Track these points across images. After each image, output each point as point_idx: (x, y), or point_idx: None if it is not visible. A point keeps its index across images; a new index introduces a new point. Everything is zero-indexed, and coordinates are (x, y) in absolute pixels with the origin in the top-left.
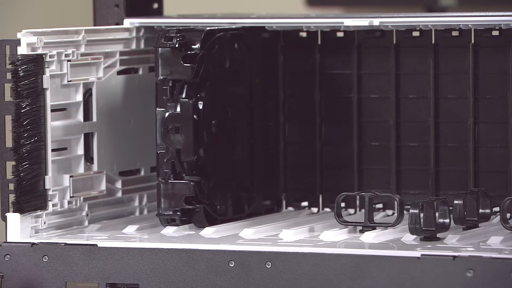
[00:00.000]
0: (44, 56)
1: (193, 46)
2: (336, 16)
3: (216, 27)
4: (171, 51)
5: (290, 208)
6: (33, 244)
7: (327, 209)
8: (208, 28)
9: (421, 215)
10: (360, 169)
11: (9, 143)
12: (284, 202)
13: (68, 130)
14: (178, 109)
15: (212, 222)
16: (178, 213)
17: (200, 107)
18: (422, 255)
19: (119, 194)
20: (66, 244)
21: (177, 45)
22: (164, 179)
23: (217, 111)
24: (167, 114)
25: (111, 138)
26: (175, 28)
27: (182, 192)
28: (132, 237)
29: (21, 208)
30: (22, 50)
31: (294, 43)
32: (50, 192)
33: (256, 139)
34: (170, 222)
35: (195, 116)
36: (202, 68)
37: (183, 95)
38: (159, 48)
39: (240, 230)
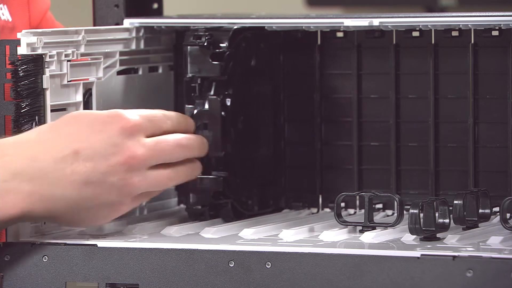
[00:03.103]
0: (44, 56)
1: (221, 44)
2: (336, 16)
3: (241, 27)
4: (199, 49)
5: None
6: (33, 244)
7: (327, 209)
8: (235, 27)
9: (421, 215)
10: (360, 169)
11: None
12: (284, 202)
13: None
14: (207, 106)
15: (239, 216)
16: (207, 207)
17: (228, 104)
18: (422, 255)
19: None
20: (66, 244)
21: (205, 43)
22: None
23: (244, 108)
24: (195, 111)
25: None
26: (203, 27)
27: (210, 187)
28: (132, 237)
29: None
30: (22, 50)
31: (294, 43)
32: None
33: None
34: (199, 216)
35: (223, 113)
36: (230, 66)
37: (211, 92)
38: (188, 46)
39: (240, 230)
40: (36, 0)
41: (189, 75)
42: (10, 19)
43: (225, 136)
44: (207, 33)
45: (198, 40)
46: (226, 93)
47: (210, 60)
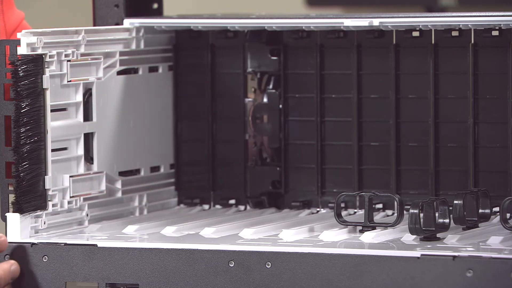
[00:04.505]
0: (44, 56)
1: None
2: (336, 16)
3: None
4: (259, 45)
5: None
6: (33, 244)
7: (327, 209)
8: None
9: (421, 215)
10: (360, 169)
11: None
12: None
13: (68, 130)
14: (265, 99)
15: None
16: (265, 196)
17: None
18: (422, 255)
19: (119, 194)
20: (66, 244)
21: (265, 40)
22: (252, 164)
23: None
24: (255, 104)
25: (111, 138)
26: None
27: (269, 176)
28: (132, 237)
29: (21, 208)
30: (22, 50)
31: (295, 43)
32: (50, 192)
33: None
34: (259, 205)
35: (280, 106)
36: (287, 61)
37: (270, 86)
38: (247, 43)
39: (240, 230)
40: (12, 10)
41: (250, 69)
42: None
43: (283, 128)
44: (266, 31)
45: (258, 37)
46: (284, 86)
47: (270, 56)
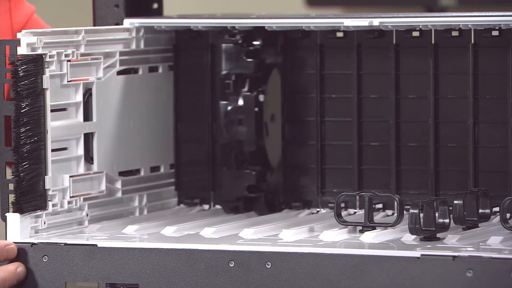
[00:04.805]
0: (44, 56)
1: (255, 42)
2: (336, 16)
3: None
4: (234, 47)
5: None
6: (33, 244)
7: (327, 209)
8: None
9: (421, 215)
10: (360, 169)
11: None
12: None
13: (68, 130)
14: (241, 102)
15: (272, 209)
16: (241, 201)
17: (261, 100)
18: (422, 255)
19: (119, 194)
20: (66, 244)
21: (240, 41)
22: (228, 168)
23: (276, 104)
24: (230, 107)
25: (111, 138)
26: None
27: (244, 181)
28: (132, 237)
29: (21, 208)
30: (22, 50)
31: (294, 43)
32: (50, 192)
33: None
34: (234, 210)
35: (256, 109)
36: (264, 63)
37: (246, 89)
38: (223, 44)
39: (240, 230)
40: (20, 6)
41: (224, 71)
42: None
43: (259, 131)
44: (241, 31)
45: (232, 38)
46: (260, 89)
47: (245, 58)
